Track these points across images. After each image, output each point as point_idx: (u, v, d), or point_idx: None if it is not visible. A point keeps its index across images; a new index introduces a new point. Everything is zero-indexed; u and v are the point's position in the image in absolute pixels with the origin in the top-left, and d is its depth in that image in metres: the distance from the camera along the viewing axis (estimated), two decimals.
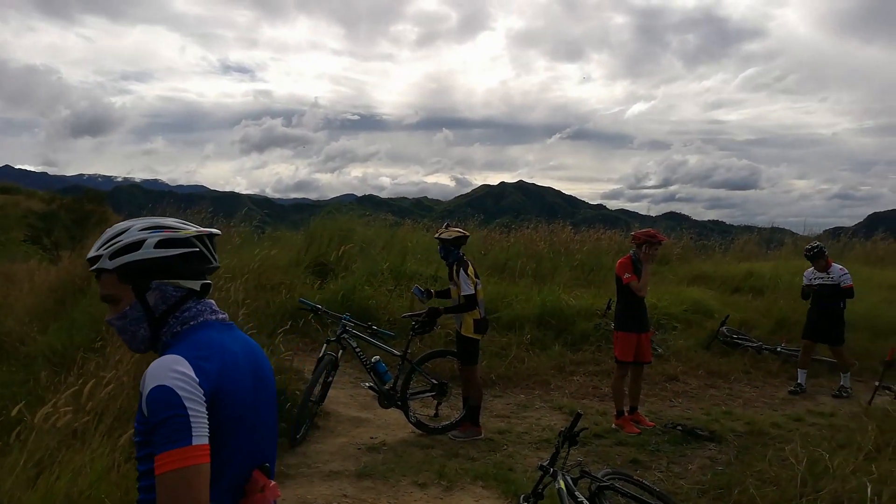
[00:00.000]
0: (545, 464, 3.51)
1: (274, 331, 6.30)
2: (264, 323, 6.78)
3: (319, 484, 4.61)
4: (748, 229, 20.56)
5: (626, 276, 5.99)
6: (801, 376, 7.50)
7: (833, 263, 7.55)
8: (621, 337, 6.09)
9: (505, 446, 5.57)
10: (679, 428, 5.89)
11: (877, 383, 6.25)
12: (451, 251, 5.70)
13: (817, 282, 7.50)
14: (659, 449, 5.53)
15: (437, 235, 5.87)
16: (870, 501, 3.60)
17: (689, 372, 7.88)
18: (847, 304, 7.50)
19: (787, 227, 21.21)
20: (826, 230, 22.84)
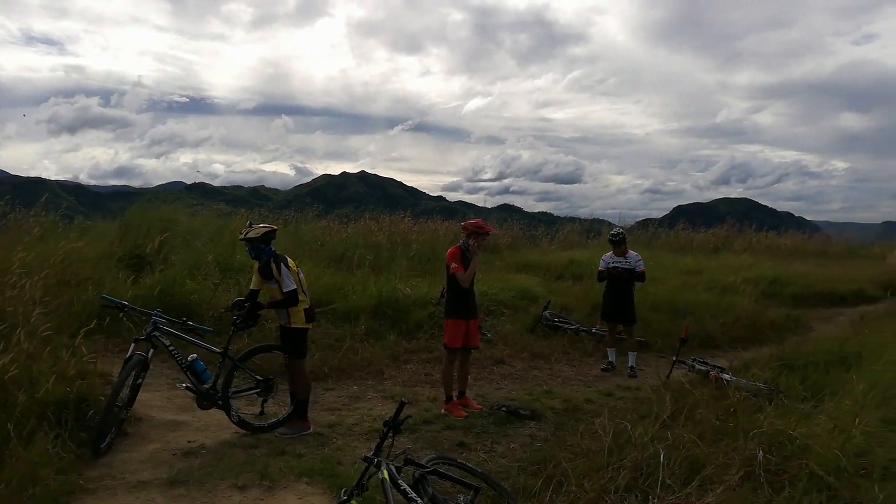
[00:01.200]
0: (370, 454, 3.46)
1: (77, 331, 5.64)
2: (66, 322, 6.07)
3: (124, 496, 4.19)
4: (572, 220, 22.17)
5: (453, 265, 6.13)
6: (611, 354, 8.20)
7: (629, 250, 8.28)
8: (450, 324, 6.22)
9: (334, 440, 5.46)
10: (503, 409, 6.15)
11: (674, 358, 6.96)
12: (263, 249, 5.37)
13: (614, 265, 8.15)
14: (484, 431, 5.73)
15: (242, 236, 5.41)
16: (662, 465, 3.96)
17: (514, 355, 8.30)
18: (651, 287, 8.31)
19: (605, 219, 23.16)
20: (638, 221, 25.24)
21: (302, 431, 5.50)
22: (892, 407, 4.65)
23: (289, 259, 5.46)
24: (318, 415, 5.96)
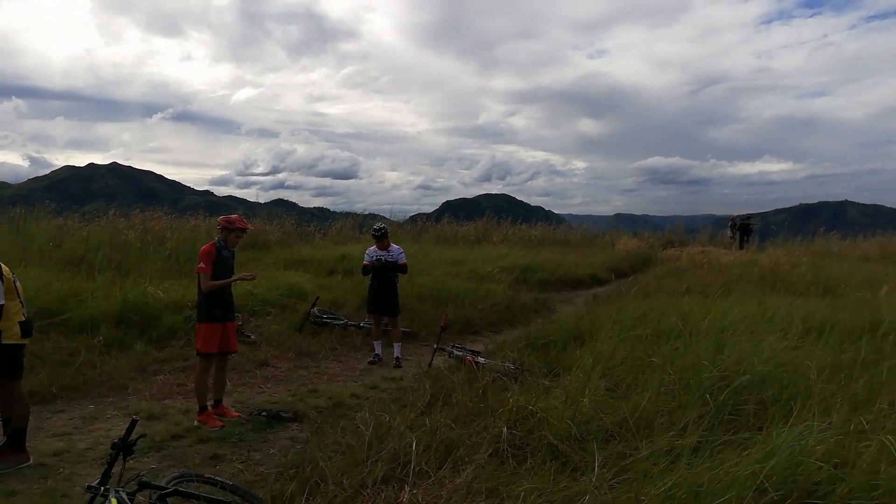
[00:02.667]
0: (94, 483, 2.98)
1: None
2: None
3: None
4: (347, 215, 22.26)
5: (200, 265, 5.68)
6: (377, 347, 8.30)
7: (392, 244, 8.47)
8: (204, 328, 5.75)
9: (61, 469, 4.70)
10: (263, 414, 5.85)
11: (435, 346, 7.24)
12: None
13: (377, 258, 8.27)
14: (242, 439, 5.38)
15: None
16: (415, 452, 4.03)
17: (280, 356, 7.98)
18: (418, 278, 8.56)
19: (380, 214, 23.64)
20: (411, 216, 26.16)
21: (18, 464, 4.66)
22: (614, 376, 5.27)
23: (1, 265, 4.58)
24: (42, 442, 5.11)
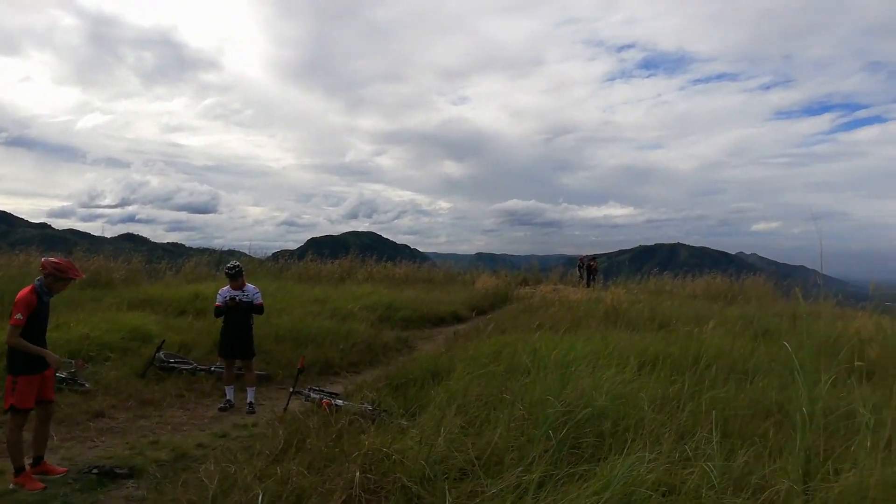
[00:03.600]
0: None
1: None
2: None
3: None
4: (204, 251, 21.16)
5: (17, 316, 5.00)
6: (229, 392, 7.85)
7: (247, 283, 8.13)
8: (21, 382, 5.06)
9: None
10: (94, 471, 5.28)
11: (291, 389, 6.99)
12: None
13: (231, 298, 7.87)
14: (68, 500, 4.83)
15: None
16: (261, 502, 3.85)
17: (118, 405, 7.28)
18: (276, 318, 8.23)
19: (240, 250, 22.71)
20: (274, 252, 25.38)
21: None
22: (469, 413, 5.37)
23: None
24: None
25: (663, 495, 3.17)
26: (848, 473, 3.12)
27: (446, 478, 4.20)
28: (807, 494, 2.91)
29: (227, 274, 8.00)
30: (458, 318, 16.33)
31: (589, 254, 27.93)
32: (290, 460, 4.80)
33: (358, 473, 4.14)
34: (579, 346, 7.55)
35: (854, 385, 5.05)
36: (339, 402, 6.35)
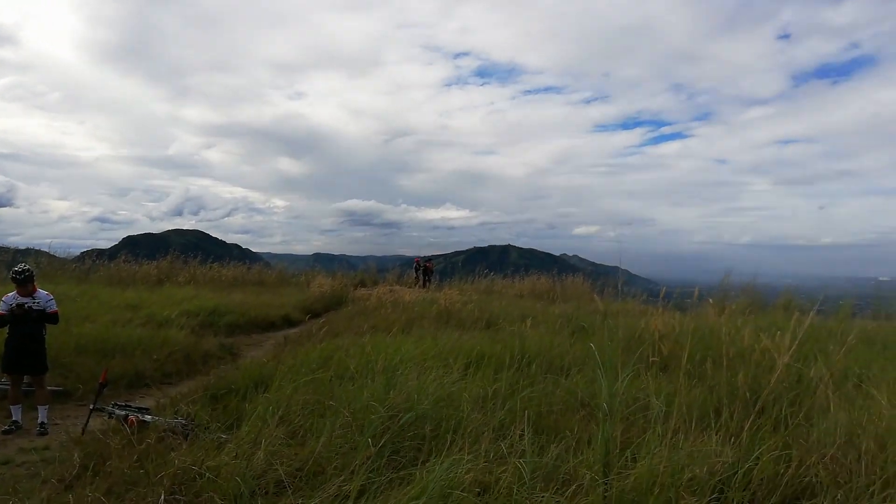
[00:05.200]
0: None
1: None
2: None
3: None
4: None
5: None
6: (16, 412, 6.84)
7: (38, 289, 7.16)
8: None
9: None
10: None
11: (91, 406, 6.26)
12: None
13: (18, 305, 6.91)
14: None
15: None
16: None
17: None
18: (78, 327, 7.30)
19: (43, 249, 20.08)
20: (82, 252, 22.80)
21: None
22: (293, 423, 5.15)
23: None
24: None
25: (479, 494, 3.22)
26: (642, 461, 3.39)
27: (266, 493, 3.99)
28: (606, 484, 3.11)
29: (13, 279, 6.97)
30: (290, 323, 15.77)
31: (425, 255, 28.47)
32: (85, 486, 4.30)
33: (163, 495, 3.78)
34: (410, 348, 7.60)
35: (650, 378, 5.56)
36: (148, 417, 5.79)
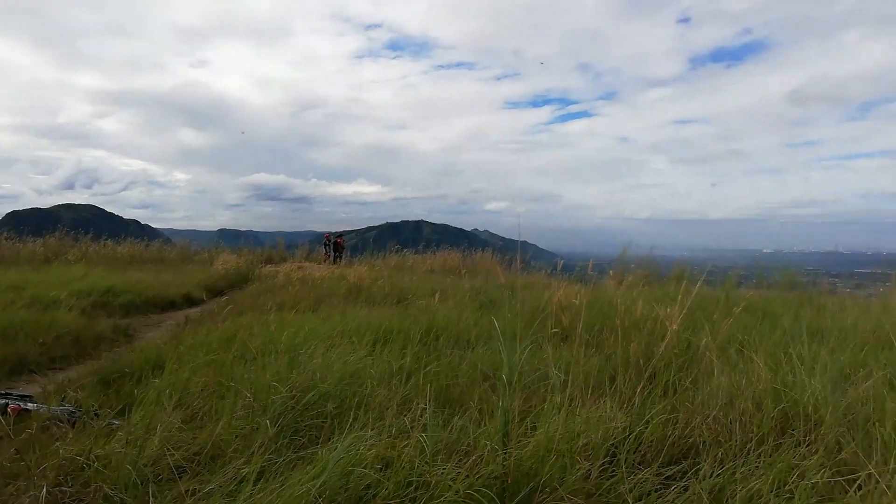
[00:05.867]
0: None
1: None
2: None
3: None
4: None
5: None
6: None
7: None
8: None
9: None
10: None
11: None
12: None
13: None
14: None
15: None
16: None
17: None
18: None
19: None
20: None
21: None
22: (192, 406, 4.97)
23: None
24: None
25: (381, 470, 3.23)
26: (540, 430, 3.50)
27: (160, 479, 3.83)
28: (505, 454, 3.19)
29: None
30: (191, 302, 15.13)
31: (337, 231, 28.05)
32: None
33: (45, 488, 3.55)
34: (317, 325, 7.49)
35: (551, 349, 5.75)
36: (31, 405, 5.41)
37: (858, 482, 3.10)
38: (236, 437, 4.19)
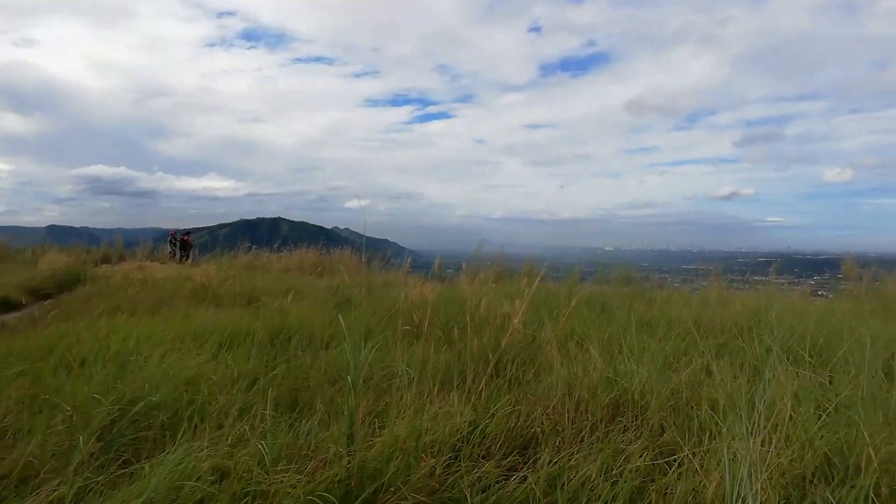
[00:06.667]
0: None
1: None
2: None
3: None
4: None
5: None
6: None
7: None
8: None
9: None
10: None
11: None
12: None
13: None
14: None
15: None
16: None
17: None
18: None
19: None
20: None
21: None
22: (3, 422, 4.41)
23: None
24: None
25: (217, 482, 3.04)
26: (387, 429, 3.47)
27: None
28: (350, 455, 3.13)
29: None
30: (9, 306, 13.44)
31: (184, 228, 26.30)
32: None
33: None
34: (155, 329, 6.95)
35: (404, 347, 5.77)
36: None
37: (678, 462, 3.38)
38: (52, 455, 3.76)
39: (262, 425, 3.59)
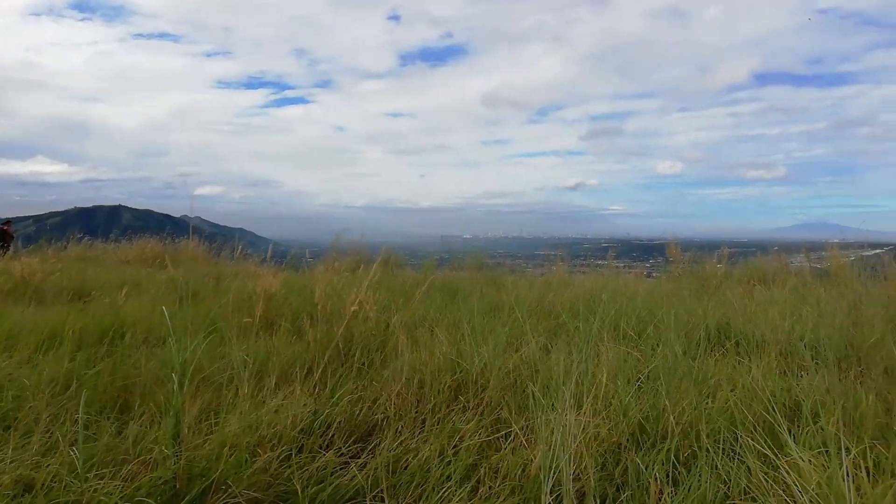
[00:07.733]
0: None
1: None
2: None
3: None
4: None
5: None
6: None
7: None
8: None
9: None
10: None
11: None
12: None
13: None
14: None
15: None
16: None
17: None
18: None
19: None
20: None
21: None
22: None
23: None
24: None
25: (20, 496, 2.72)
26: (223, 426, 3.31)
27: None
28: (178, 455, 2.94)
29: None
30: None
31: (3, 216, 23.39)
32: None
33: None
34: None
35: (250, 340, 5.54)
36: None
37: (511, 437, 3.53)
38: None
39: (76, 430, 3.27)
